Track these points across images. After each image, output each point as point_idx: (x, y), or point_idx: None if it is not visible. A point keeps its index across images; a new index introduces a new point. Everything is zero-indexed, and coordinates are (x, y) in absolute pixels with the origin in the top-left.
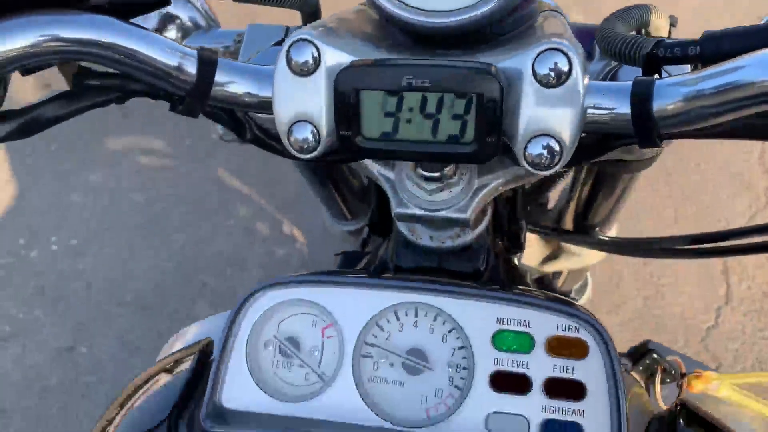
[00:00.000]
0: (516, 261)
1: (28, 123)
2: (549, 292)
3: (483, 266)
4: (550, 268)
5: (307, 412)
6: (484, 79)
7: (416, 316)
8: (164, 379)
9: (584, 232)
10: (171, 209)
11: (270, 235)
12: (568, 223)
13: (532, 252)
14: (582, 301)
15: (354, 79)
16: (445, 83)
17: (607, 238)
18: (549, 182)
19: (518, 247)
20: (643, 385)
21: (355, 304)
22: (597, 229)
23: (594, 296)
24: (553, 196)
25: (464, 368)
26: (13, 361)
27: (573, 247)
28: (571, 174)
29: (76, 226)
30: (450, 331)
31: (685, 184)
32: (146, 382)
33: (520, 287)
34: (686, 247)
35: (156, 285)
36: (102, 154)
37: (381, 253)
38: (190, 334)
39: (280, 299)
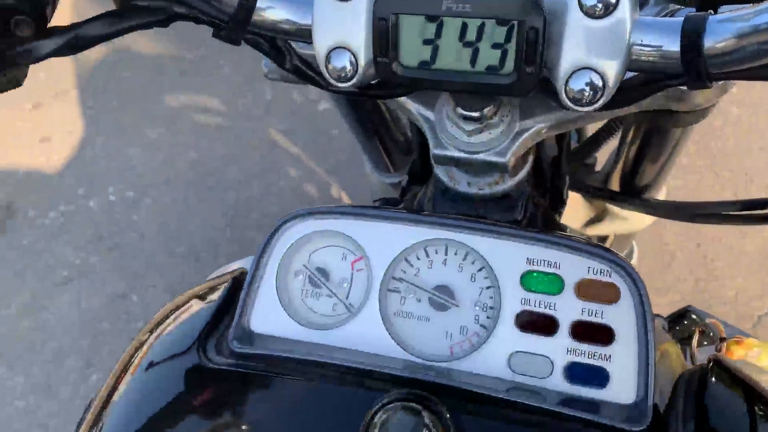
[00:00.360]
0: (557, 218)
1: (75, 40)
2: (582, 237)
3: (521, 216)
4: (594, 231)
5: (332, 340)
6: (526, 6)
7: (446, 254)
8: (196, 305)
9: (631, 193)
10: (224, 167)
11: (318, 197)
12: (615, 185)
13: (577, 213)
14: None
15: (393, 2)
16: (486, 9)
17: (654, 201)
18: (596, 141)
19: (560, 202)
20: (679, 345)
21: (386, 239)
22: (645, 191)
23: (643, 275)
24: (601, 158)
25: (491, 307)
26: (70, 305)
27: (619, 210)
28: (619, 133)
29: (133, 179)
30: (479, 270)
31: (749, 165)
32: (178, 308)
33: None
34: (736, 212)
35: (207, 239)
36: (160, 110)
37: (419, 197)
38: (231, 269)
39: (312, 229)
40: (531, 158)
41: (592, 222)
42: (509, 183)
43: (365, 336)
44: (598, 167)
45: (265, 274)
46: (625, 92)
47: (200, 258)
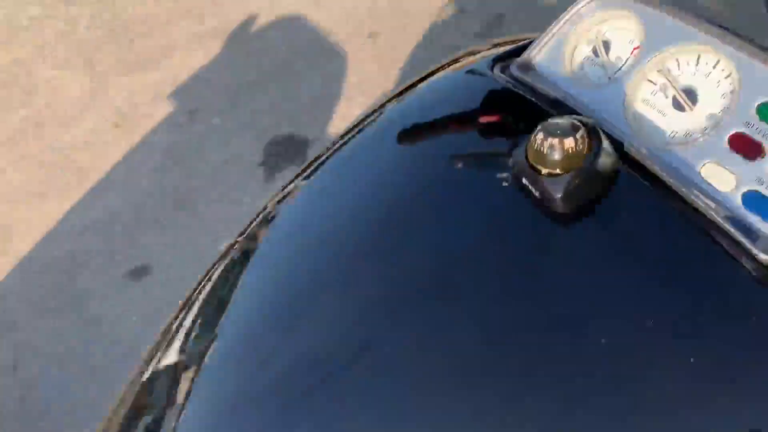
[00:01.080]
0: None
1: None
2: None
3: None
4: None
5: (580, 95)
6: None
7: (714, 67)
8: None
9: None
10: None
11: None
12: None
13: None
14: None
15: None
16: None
17: None
18: None
19: None
20: None
21: (670, 34)
22: None
23: None
24: None
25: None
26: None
27: None
28: None
29: None
30: (731, 92)
31: None
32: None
33: None
34: None
35: None
36: None
37: None
38: None
39: (617, 6)
40: None
41: None
42: None
43: (606, 104)
44: None
45: (562, 30)
46: None
47: None
